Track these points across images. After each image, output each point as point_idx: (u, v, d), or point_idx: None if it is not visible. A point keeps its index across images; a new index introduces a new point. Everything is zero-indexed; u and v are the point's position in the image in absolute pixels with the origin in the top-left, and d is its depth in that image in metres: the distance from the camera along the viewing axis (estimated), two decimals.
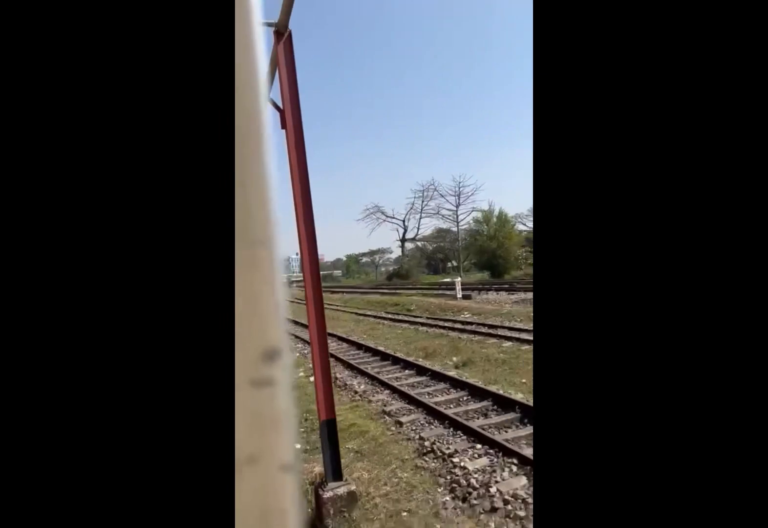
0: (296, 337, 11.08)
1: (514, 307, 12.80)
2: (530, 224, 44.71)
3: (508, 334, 9.38)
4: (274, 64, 3.58)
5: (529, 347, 7.95)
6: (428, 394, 5.84)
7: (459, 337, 9.73)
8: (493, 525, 2.94)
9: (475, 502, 3.23)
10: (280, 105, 3.46)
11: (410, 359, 7.82)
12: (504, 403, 5.09)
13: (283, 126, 3.43)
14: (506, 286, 18.81)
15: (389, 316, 14.77)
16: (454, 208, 43.40)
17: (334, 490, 3.21)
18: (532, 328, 9.68)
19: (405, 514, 3.22)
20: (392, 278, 43.93)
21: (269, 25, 3.34)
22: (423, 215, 48.56)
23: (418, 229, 50.40)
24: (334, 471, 3.29)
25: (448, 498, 3.36)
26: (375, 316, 15.21)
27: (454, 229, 44.39)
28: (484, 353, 7.91)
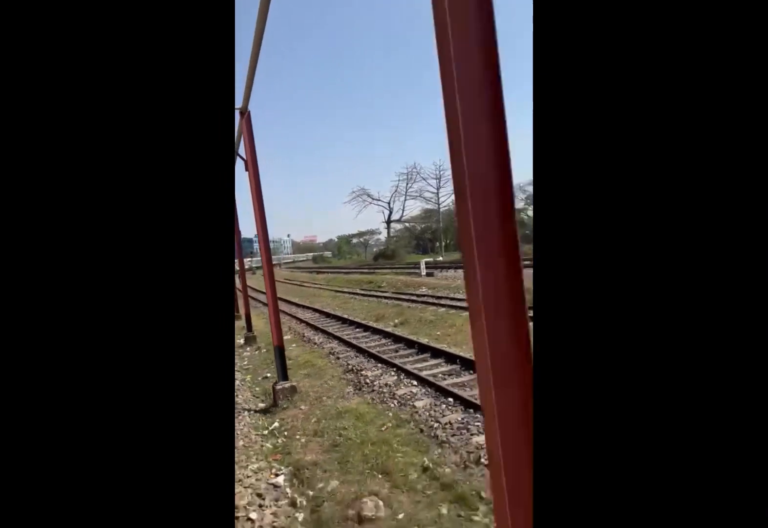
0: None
1: (462, 283, 15.16)
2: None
3: (446, 302, 11.74)
4: (240, 132, 5.78)
5: (454, 312, 10.32)
6: (364, 342, 8.20)
7: (408, 306, 12.10)
8: (369, 397, 5.30)
9: (364, 389, 5.59)
10: (244, 156, 5.68)
11: (363, 322, 10.17)
12: (411, 344, 7.44)
13: (246, 169, 5.66)
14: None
15: (362, 292, 17.15)
16: (436, 191, 45.58)
17: (282, 385, 5.55)
18: (464, 297, 12.03)
19: (325, 398, 5.56)
20: (378, 258, 46.09)
21: (236, 109, 5.53)
22: (407, 197, 50.80)
23: (403, 210, 52.67)
24: (282, 374, 5.62)
25: (351, 390, 5.72)
26: (350, 293, 17.57)
27: (442, 210, 46.48)
28: (420, 316, 10.26)
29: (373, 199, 52.15)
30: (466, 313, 10.67)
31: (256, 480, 3.61)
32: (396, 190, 51.59)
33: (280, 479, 3.59)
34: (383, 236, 60.99)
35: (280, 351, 5.71)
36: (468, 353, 6.63)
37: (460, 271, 18.42)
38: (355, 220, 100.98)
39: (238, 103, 5.51)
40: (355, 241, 67.55)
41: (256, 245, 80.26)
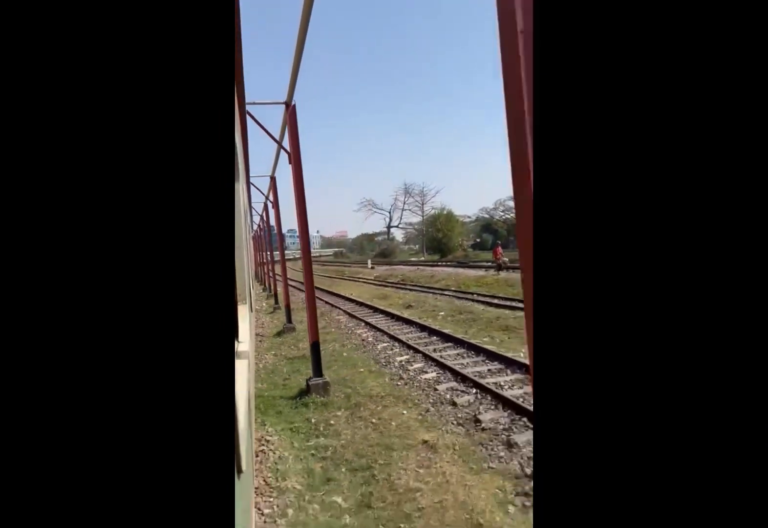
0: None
1: (381, 273, 28.78)
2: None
3: (360, 280, 25.29)
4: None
5: (355, 282, 23.95)
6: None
7: (341, 281, 25.78)
8: (298, 296, 19.15)
9: (298, 295, 19.49)
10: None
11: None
12: (344, 297, 21.10)
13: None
14: (407, 262, 34.74)
15: (333, 276, 30.95)
16: (421, 205, 59.13)
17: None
18: (368, 279, 25.86)
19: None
20: (377, 256, 59.10)
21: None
22: (405, 208, 64.42)
23: (401, 218, 66.39)
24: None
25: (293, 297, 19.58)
26: (325, 276, 31.44)
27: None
28: (340, 284, 23.90)
29: (377, 208, 66.07)
30: (358, 281, 28.54)
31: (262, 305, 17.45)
32: (395, 202, 65.29)
33: (272, 301, 17.41)
34: (399, 236, 74.00)
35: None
36: (330, 287, 20.21)
37: (389, 266, 32.08)
38: (363, 225, 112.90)
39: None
40: (380, 238, 77.86)
41: (288, 239, 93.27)
